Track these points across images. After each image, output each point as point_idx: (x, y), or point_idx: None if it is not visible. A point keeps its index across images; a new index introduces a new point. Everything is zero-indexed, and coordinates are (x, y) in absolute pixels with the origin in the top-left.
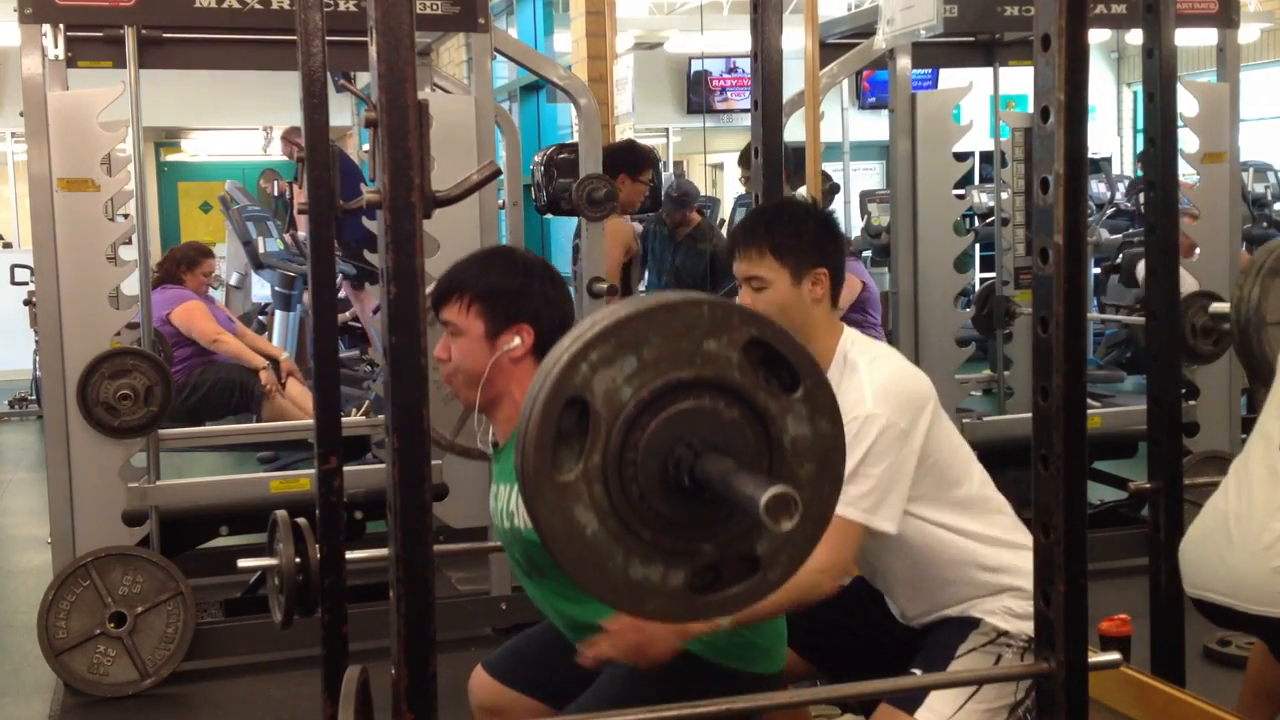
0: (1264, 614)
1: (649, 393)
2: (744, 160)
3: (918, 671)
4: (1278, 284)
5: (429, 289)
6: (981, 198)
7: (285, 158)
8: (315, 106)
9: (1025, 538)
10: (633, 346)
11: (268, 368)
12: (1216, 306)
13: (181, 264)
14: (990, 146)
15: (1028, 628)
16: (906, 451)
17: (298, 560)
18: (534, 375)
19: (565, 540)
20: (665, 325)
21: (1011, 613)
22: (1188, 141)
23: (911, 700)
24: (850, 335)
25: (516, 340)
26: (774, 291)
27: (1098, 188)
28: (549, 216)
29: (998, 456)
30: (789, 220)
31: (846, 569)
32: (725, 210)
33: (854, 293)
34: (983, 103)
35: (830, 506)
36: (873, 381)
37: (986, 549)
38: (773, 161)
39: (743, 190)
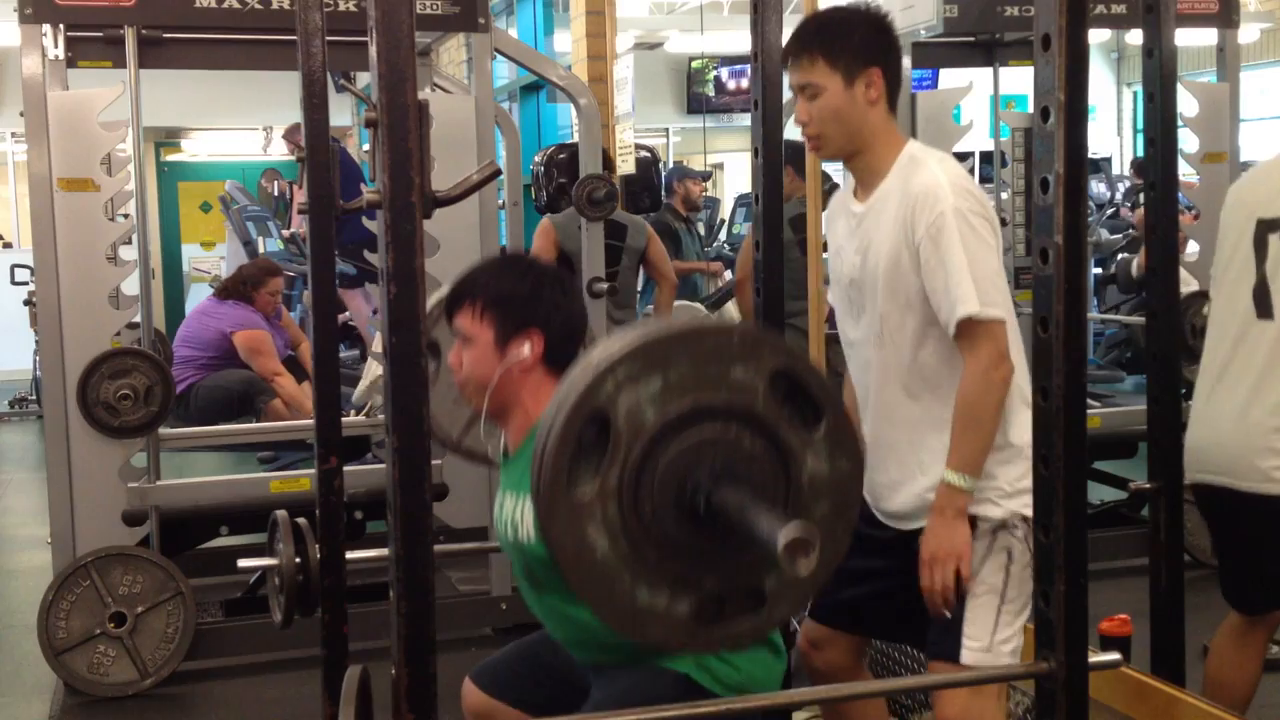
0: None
1: (674, 415)
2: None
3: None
4: None
5: (436, 295)
6: None
7: (289, 156)
8: (315, 106)
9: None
10: (660, 367)
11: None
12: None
13: (248, 283)
14: (990, 146)
15: (1023, 502)
16: (995, 242)
17: (298, 560)
18: (546, 384)
19: (576, 561)
20: (694, 349)
21: (1003, 492)
22: (1188, 141)
23: (951, 643)
24: (916, 143)
25: (526, 348)
26: (829, 97)
27: (1098, 188)
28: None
29: None
30: (838, 23)
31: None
32: (725, 210)
33: None
34: (983, 103)
35: (842, 547)
36: (947, 174)
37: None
38: (772, 161)
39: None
